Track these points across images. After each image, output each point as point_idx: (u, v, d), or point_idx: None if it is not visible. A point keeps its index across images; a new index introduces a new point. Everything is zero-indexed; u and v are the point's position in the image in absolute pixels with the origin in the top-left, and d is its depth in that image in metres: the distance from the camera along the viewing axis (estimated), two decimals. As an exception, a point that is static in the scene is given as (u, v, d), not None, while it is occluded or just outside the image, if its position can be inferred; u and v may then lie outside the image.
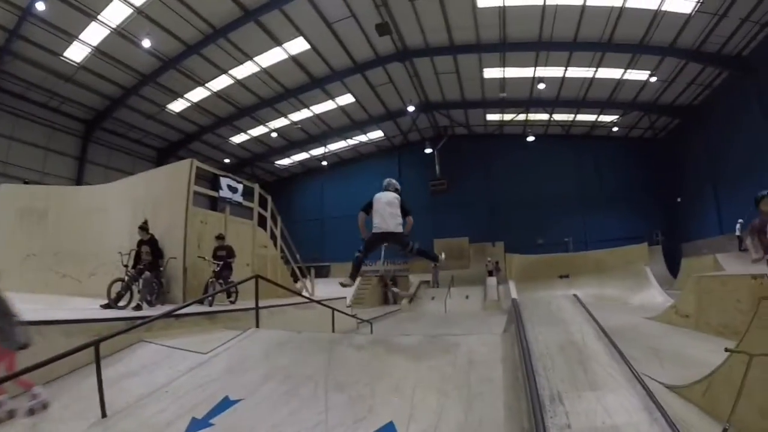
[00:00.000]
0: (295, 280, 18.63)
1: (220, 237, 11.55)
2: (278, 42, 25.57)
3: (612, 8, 23.11)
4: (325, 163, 42.48)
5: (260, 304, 8.48)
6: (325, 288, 26.43)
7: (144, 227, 10.47)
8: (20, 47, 22.87)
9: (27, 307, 5.57)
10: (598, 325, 5.18)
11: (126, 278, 9.67)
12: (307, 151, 42.29)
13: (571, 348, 4.55)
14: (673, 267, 30.98)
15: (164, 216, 11.68)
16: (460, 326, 17.02)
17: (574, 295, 6.70)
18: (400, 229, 7.81)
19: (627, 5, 22.71)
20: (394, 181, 8.55)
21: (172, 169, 12.68)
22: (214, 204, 16.32)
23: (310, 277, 20.46)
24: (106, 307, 8.92)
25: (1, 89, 25.28)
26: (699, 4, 21.98)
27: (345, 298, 16.84)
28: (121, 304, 9.30)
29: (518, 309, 6.09)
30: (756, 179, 25.31)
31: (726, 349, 5.44)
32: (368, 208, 8.08)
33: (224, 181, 13.36)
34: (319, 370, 5.41)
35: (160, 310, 8.77)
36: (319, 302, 12.55)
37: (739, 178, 27.74)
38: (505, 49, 26.93)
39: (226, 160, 39.87)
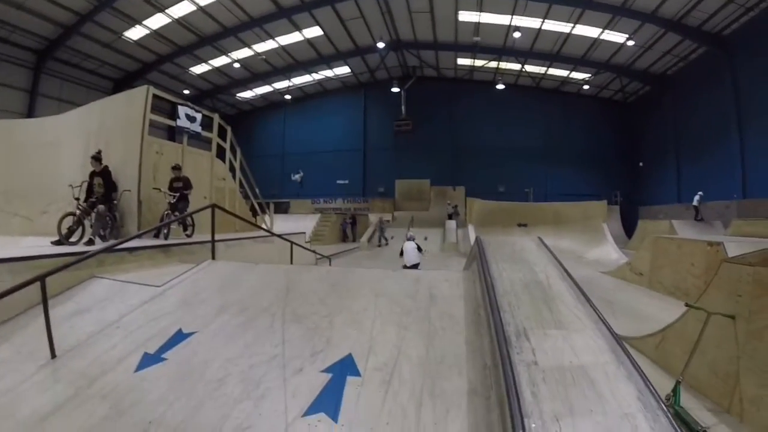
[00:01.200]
0: (254, 215, 18.34)
1: (176, 168, 11.08)
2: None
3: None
4: (288, 97, 41.57)
5: (217, 238, 8.33)
6: (284, 224, 26.41)
7: (97, 157, 9.92)
8: None
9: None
10: (563, 267, 5.15)
11: (77, 212, 9.24)
12: (270, 84, 41.16)
13: (535, 287, 4.50)
14: (629, 228, 32.41)
15: (119, 147, 11.18)
16: (422, 266, 17.13)
17: (539, 238, 6.67)
18: None
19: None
20: None
21: (127, 97, 11.99)
22: (173, 135, 15.74)
23: (269, 212, 20.13)
24: (57, 243, 8.54)
25: None
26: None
27: (304, 233, 16.64)
28: (73, 239, 8.92)
29: (482, 246, 6.02)
30: (716, 156, 26.41)
31: (686, 304, 5.63)
32: None
33: (182, 110, 12.77)
34: (275, 302, 5.26)
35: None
36: (277, 235, 12.32)
37: (701, 151, 29.09)
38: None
39: (186, 92, 38.21)
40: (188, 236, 10.87)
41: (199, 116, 13.28)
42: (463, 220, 28.98)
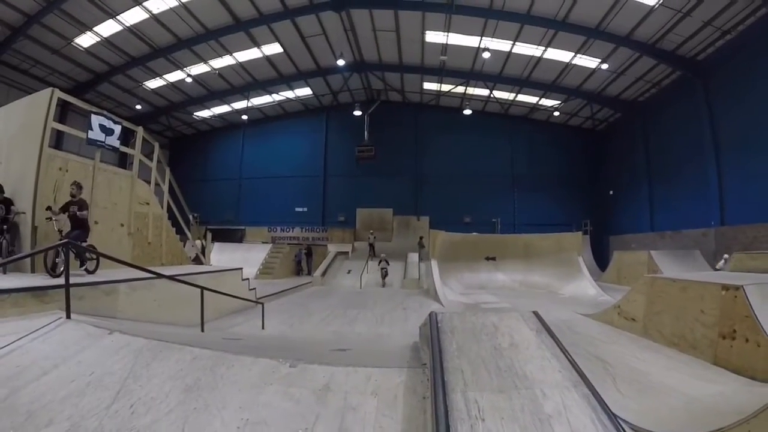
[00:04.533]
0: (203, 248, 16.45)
1: (75, 185, 8.97)
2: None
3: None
4: (245, 117, 39.57)
5: (128, 275, 7.29)
6: (231, 255, 24.60)
7: None
8: None
9: None
10: (594, 391, 3.40)
11: None
12: (228, 103, 39.17)
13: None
14: (600, 258, 31.89)
15: (17, 160, 9.50)
16: (373, 309, 15.54)
17: (535, 314, 4.79)
18: None
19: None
20: None
21: (30, 102, 10.23)
22: (123, 160, 13.82)
23: (206, 241, 18.17)
24: None
25: None
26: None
27: (241, 269, 14.54)
28: None
29: (438, 337, 4.16)
30: (691, 182, 25.96)
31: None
32: None
33: (96, 120, 10.85)
34: (87, 416, 3.50)
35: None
36: (180, 281, 8.99)
37: (675, 178, 28.61)
38: (453, 11, 24.87)
39: (139, 107, 36.20)
40: (89, 272, 8.84)
41: (118, 128, 11.31)
42: (427, 252, 27.50)
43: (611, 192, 36.20)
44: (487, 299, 17.30)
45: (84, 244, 8.48)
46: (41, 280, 7.52)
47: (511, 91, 34.97)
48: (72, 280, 6.08)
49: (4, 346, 4.56)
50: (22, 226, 9.06)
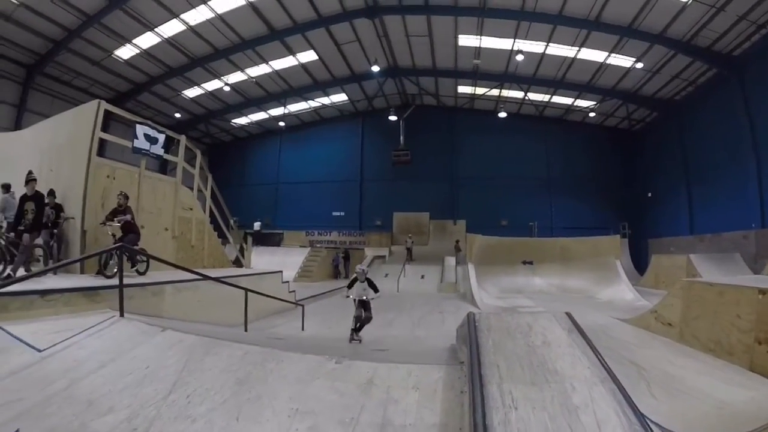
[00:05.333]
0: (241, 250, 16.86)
1: (122, 195, 9.49)
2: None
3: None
4: (282, 124, 40.23)
5: (173, 276, 7.46)
6: (269, 258, 24.84)
7: (29, 179, 8.60)
8: None
9: None
10: (621, 386, 3.51)
11: (2, 242, 7.98)
12: (265, 110, 39.84)
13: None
14: (638, 262, 31.09)
15: (67, 167, 9.99)
16: (410, 312, 15.62)
17: (567, 315, 4.90)
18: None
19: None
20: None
21: (77, 113, 10.75)
22: (164, 165, 14.34)
23: (247, 244, 18.58)
24: None
25: None
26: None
27: (281, 272, 14.85)
28: None
29: (476, 336, 4.27)
30: (730, 183, 25.28)
31: None
32: None
33: (141, 130, 11.33)
34: (144, 407, 3.73)
35: (51, 280, 7.30)
36: (227, 283, 9.58)
37: (713, 179, 27.77)
38: (485, 14, 25.02)
39: (178, 115, 37.23)
40: (139, 273, 9.28)
41: (161, 137, 11.79)
42: (464, 256, 27.35)
43: (649, 194, 35.34)
44: (524, 303, 17.18)
45: (135, 248, 8.87)
46: (92, 280, 7.93)
47: (545, 93, 34.64)
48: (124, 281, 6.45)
49: (62, 341, 4.91)
50: (71, 231, 9.52)
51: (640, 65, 27.75)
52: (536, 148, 38.76)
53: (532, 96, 34.93)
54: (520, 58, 28.19)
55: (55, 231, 9.21)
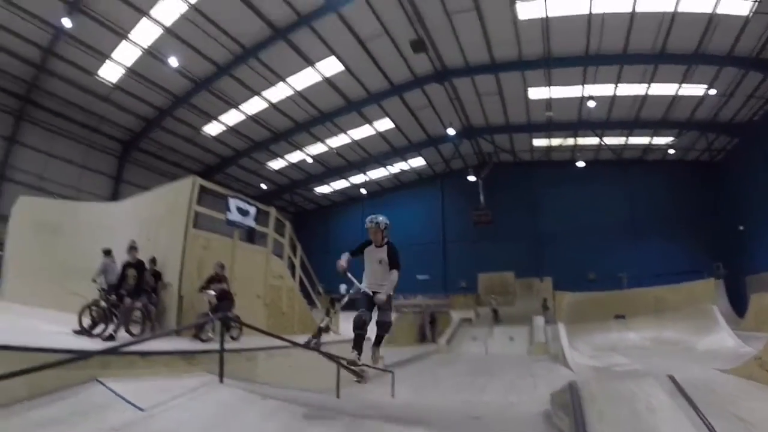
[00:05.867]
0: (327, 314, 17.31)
1: (219, 265, 10.32)
2: (310, 62, 24.71)
3: (663, 14, 21.20)
4: (364, 191, 41.34)
5: (265, 342, 7.76)
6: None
7: (132, 248, 9.50)
8: (56, 65, 23.34)
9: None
10: None
11: (103, 304, 8.75)
12: (346, 178, 41.19)
13: None
14: (736, 302, 28.47)
15: (164, 237, 10.90)
16: (501, 377, 15.25)
17: (670, 378, 4.81)
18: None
19: (679, 9, 20.69)
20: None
21: (175, 188, 11.64)
22: (252, 233, 15.26)
23: (335, 310, 18.99)
24: (78, 333, 8.14)
25: (39, 106, 25.43)
26: (756, 4, 19.80)
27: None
28: (97, 331, 8.39)
29: (580, 413, 4.20)
30: None
31: None
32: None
33: (233, 203, 12.14)
34: None
35: (150, 342, 7.64)
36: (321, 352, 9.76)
37: None
38: (550, 64, 25.14)
39: (263, 186, 39.24)
40: (233, 339, 9.82)
41: (252, 210, 12.62)
42: (553, 314, 26.51)
43: (741, 227, 32.17)
44: (619, 361, 16.40)
45: (230, 315, 9.42)
46: (189, 343, 8.45)
47: (621, 135, 33.70)
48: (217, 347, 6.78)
49: (164, 402, 5.19)
50: (168, 296, 10.22)
51: (713, 91, 26.54)
52: (617, 194, 37.47)
53: (608, 140, 34.05)
54: (591, 104, 27.79)
55: (154, 296, 9.89)
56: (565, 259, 36.66)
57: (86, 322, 8.60)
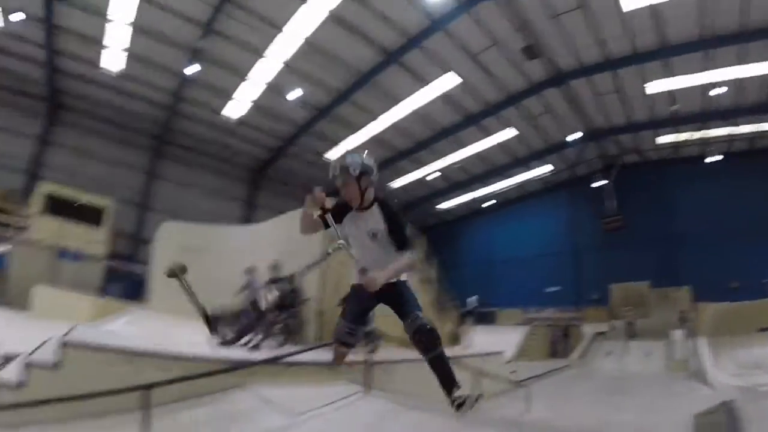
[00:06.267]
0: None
1: None
2: (424, 81, 25.40)
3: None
4: (489, 203, 41.42)
5: (403, 354, 7.85)
6: (487, 337, 24.66)
7: (273, 267, 10.40)
8: (184, 108, 28.50)
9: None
10: None
11: (245, 319, 9.99)
12: (469, 191, 41.07)
13: None
14: None
15: (303, 256, 11.53)
16: (637, 395, 14.42)
17: None
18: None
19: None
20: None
21: None
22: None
23: (467, 324, 19.37)
24: (223, 344, 8.85)
25: (174, 144, 31.00)
26: None
27: (501, 353, 15.10)
28: (241, 342, 9.45)
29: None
30: None
31: None
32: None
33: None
34: None
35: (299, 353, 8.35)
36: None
37: None
38: (666, 54, 23.72)
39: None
40: (371, 352, 10.45)
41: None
42: (693, 327, 24.62)
43: None
44: (764, 381, 15.09)
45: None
46: (331, 355, 9.11)
47: (756, 122, 29.77)
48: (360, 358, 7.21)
49: (315, 409, 5.53)
50: (307, 311, 11.07)
51: None
52: (757, 188, 32.64)
53: (742, 129, 30.77)
54: (720, 90, 25.76)
55: (293, 310, 10.75)
56: (703, 265, 32.86)
57: (225, 333, 9.61)
